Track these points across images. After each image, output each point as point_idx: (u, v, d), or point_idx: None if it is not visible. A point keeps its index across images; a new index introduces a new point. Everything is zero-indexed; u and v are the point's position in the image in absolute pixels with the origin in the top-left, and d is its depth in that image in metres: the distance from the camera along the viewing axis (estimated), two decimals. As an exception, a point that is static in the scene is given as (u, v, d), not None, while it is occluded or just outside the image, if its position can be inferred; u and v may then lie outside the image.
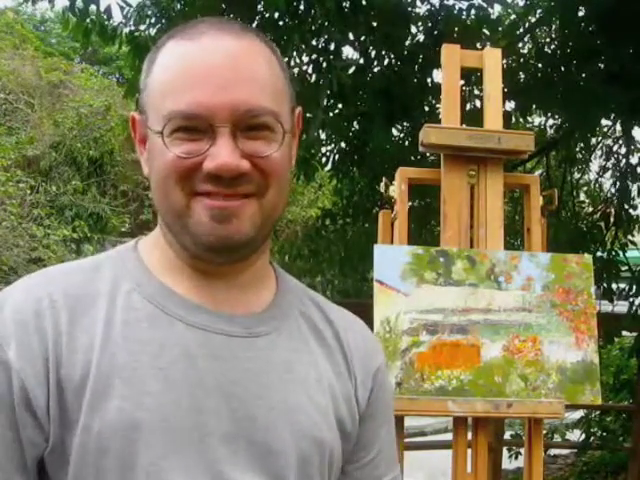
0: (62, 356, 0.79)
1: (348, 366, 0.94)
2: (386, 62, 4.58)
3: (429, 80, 4.55)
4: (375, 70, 4.60)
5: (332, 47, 4.30)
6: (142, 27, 4.37)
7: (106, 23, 4.20)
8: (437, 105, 4.66)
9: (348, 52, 4.70)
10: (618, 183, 5.75)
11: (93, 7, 4.09)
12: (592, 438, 5.75)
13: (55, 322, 0.81)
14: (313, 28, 4.17)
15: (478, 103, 4.29)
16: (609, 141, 6.32)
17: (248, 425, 0.83)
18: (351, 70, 4.42)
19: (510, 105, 4.63)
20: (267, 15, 4.14)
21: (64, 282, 0.85)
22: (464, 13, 4.45)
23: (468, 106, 4.20)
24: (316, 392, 0.89)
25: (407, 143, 4.74)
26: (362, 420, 0.94)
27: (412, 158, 4.40)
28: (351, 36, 4.43)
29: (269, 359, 0.87)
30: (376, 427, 0.97)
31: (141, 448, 0.77)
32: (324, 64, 4.18)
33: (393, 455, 1.01)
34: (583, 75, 4.56)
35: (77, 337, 0.80)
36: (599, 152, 6.40)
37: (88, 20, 4.13)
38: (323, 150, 5.12)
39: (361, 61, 4.58)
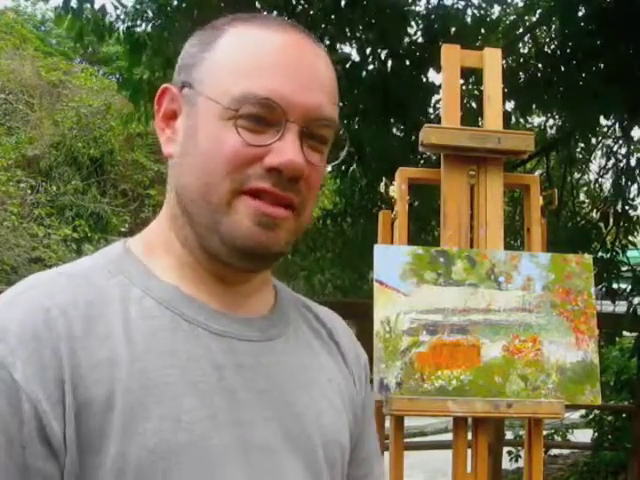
0: (80, 373, 0.70)
1: (346, 364, 0.93)
2: (382, 59, 4.59)
3: (424, 78, 4.56)
4: (370, 67, 4.61)
5: (327, 41, 4.31)
6: (138, 22, 4.39)
7: (101, 21, 4.22)
8: (435, 105, 4.67)
9: (344, 48, 4.72)
10: (618, 183, 5.75)
11: (87, 5, 4.11)
12: (590, 439, 5.75)
13: (68, 332, 0.71)
14: (310, 23, 4.18)
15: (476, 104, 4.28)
16: (609, 141, 6.32)
17: (282, 434, 0.80)
18: (347, 65, 4.43)
19: (510, 105, 4.63)
20: (265, 13, 4.15)
21: (70, 288, 0.75)
22: (460, 12, 4.47)
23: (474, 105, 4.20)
24: (331, 393, 0.88)
25: (406, 142, 4.75)
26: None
27: (411, 157, 4.41)
28: (347, 33, 4.45)
29: (288, 364, 0.84)
30: (367, 420, 0.97)
31: (183, 470, 0.72)
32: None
33: (378, 446, 1.01)
34: (583, 75, 4.57)
35: (95, 350, 0.71)
36: (599, 152, 6.41)
37: (83, 19, 4.15)
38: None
39: (357, 58, 4.60)
